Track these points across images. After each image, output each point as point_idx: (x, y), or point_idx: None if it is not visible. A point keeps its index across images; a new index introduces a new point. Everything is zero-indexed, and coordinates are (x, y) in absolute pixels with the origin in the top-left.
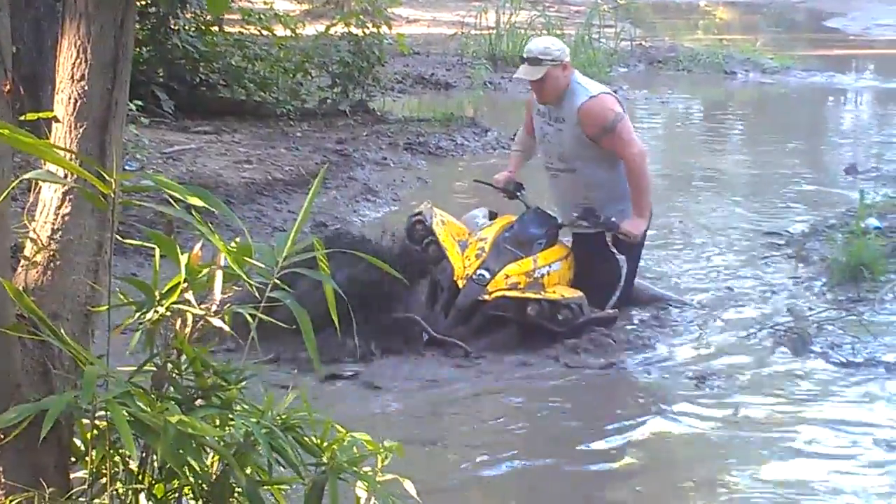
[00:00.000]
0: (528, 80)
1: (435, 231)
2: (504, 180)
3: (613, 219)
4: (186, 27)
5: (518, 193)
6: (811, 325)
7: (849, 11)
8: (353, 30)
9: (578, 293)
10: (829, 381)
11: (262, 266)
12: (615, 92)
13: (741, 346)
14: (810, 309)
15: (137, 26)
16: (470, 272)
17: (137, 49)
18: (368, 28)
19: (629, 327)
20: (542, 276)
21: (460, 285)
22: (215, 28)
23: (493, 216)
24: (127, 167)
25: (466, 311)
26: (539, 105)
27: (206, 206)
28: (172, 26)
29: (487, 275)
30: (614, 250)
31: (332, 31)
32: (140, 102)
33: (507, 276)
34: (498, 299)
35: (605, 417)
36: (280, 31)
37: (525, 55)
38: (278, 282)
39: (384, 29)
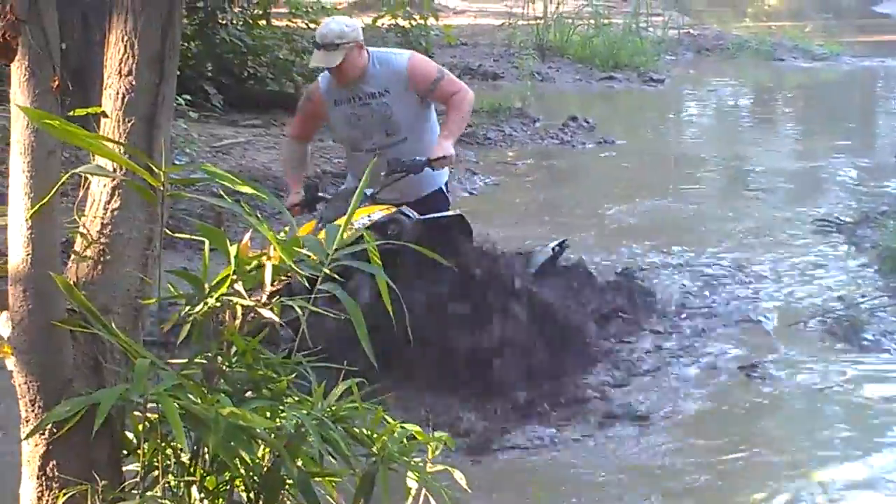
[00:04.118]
0: (326, 68)
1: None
2: (301, 202)
3: (417, 157)
4: (234, 21)
5: (319, 205)
6: (863, 312)
7: None
8: (400, 21)
9: (392, 209)
10: (882, 369)
11: (313, 257)
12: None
13: (792, 334)
14: (862, 296)
15: (185, 21)
16: None
17: (185, 44)
18: (415, 20)
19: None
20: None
21: None
22: (263, 22)
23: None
24: (176, 161)
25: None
26: (338, 94)
27: (257, 194)
28: (220, 21)
29: None
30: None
31: (379, 23)
32: (189, 97)
33: None
34: None
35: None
36: None
37: (319, 41)
38: (329, 273)
39: (431, 20)
